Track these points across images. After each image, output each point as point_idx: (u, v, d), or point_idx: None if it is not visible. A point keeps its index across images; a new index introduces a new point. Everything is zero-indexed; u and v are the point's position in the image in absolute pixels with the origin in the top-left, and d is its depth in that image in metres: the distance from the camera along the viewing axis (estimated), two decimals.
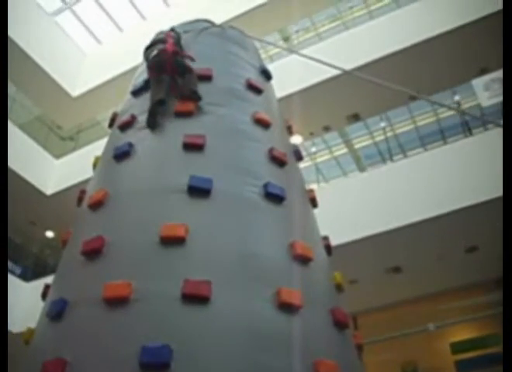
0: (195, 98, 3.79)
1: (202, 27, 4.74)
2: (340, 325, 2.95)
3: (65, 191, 12.61)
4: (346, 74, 10.95)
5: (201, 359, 2.36)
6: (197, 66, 4.12)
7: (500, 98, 9.55)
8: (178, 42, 4.23)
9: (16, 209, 12.66)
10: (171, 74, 3.97)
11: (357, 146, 15.48)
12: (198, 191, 3.09)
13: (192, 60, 4.08)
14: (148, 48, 4.23)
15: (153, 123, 3.72)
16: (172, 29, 4.50)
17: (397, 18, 11.36)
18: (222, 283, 2.63)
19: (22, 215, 13.26)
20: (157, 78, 4.01)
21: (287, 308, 2.66)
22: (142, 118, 3.83)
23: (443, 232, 8.91)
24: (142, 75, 4.42)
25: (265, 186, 3.27)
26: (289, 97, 10.34)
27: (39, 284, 3.23)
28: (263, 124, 3.85)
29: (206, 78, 4.06)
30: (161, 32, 4.45)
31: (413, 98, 11.92)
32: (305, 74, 10.44)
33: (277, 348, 2.49)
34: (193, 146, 3.40)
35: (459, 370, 9.88)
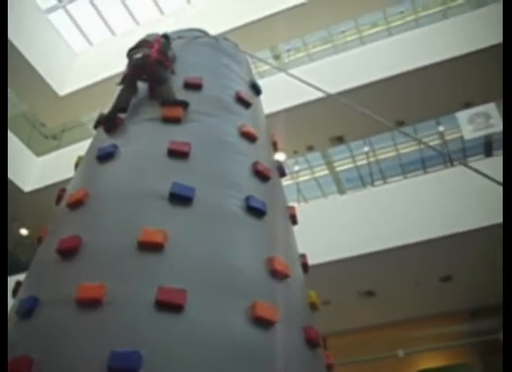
0: (183, 104, 3.79)
1: (195, 35, 4.74)
2: (312, 343, 2.93)
3: (44, 189, 12.47)
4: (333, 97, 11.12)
5: (170, 367, 2.33)
6: (188, 74, 4.12)
7: (483, 133, 9.74)
8: (164, 49, 4.20)
9: None
10: (149, 81, 3.98)
11: (338, 169, 15.58)
12: (180, 198, 3.06)
13: (173, 73, 4.09)
14: (133, 48, 4.21)
15: (109, 127, 3.84)
16: (166, 36, 4.48)
17: (388, 46, 11.53)
18: (197, 292, 2.60)
19: None
20: (129, 83, 4.03)
21: (261, 322, 2.64)
22: (128, 122, 3.82)
23: (419, 260, 8.98)
24: None
25: (247, 199, 3.26)
26: (275, 114, 10.38)
27: (10, 280, 3.16)
28: (249, 137, 3.84)
29: (196, 87, 4.04)
30: (151, 35, 4.42)
31: (398, 125, 12.07)
32: (292, 92, 10.51)
33: (248, 361, 2.47)
34: (178, 153, 3.38)
35: None
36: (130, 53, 4.18)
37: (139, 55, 4.03)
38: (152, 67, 3.94)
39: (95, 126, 4.37)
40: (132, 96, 3.98)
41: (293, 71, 12.27)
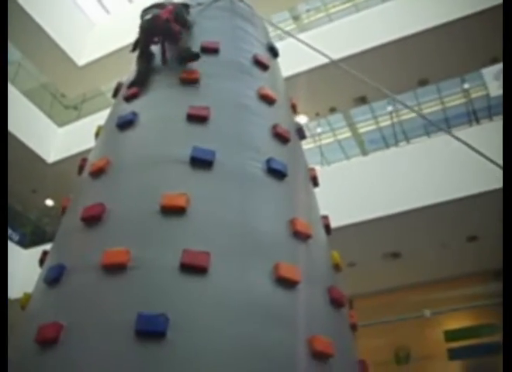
0: (193, 56, 3.79)
1: (212, 0, 4.66)
2: (336, 303, 2.95)
3: (67, 159, 12.59)
4: (354, 56, 10.93)
5: (197, 329, 2.36)
6: (204, 39, 4.09)
7: None
8: (180, 14, 4.13)
9: (17, 176, 12.65)
10: (161, 42, 3.95)
11: (361, 131, 15.41)
12: (201, 162, 3.07)
13: (179, 34, 4.03)
14: (145, 10, 4.16)
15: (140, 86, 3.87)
16: (185, 4, 4.41)
17: (409, 3, 11.20)
18: (220, 254, 2.62)
19: (22, 183, 13.26)
20: (142, 50, 4.02)
21: (284, 282, 2.66)
22: (146, 88, 3.82)
23: (444, 220, 8.91)
24: None
25: (268, 161, 3.25)
26: (297, 76, 10.26)
27: (36, 251, 3.22)
28: (268, 100, 3.82)
29: (213, 51, 4.01)
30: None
31: (421, 84, 11.84)
32: (314, 53, 10.34)
33: (273, 321, 2.49)
34: (197, 118, 3.37)
35: (451, 358, 9.96)
36: (142, 14, 4.14)
37: (148, 16, 3.99)
38: (161, 27, 3.91)
39: (114, 95, 4.38)
40: (148, 65, 3.95)
41: (313, 32, 12.13)
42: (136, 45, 4.08)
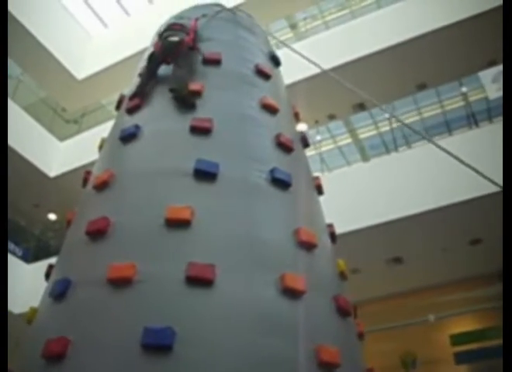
0: (186, 103, 3.64)
1: (215, 11, 4.68)
2: (342, 312, 2.95)
3: (68, 173, 12.62)
4: (352, 63, 10.96)
5: (203, 342, 2.36)
6: (206, 50, 4.11)
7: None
8: (196, 36, 4.18)
9: (20, 191, 12.67)
10: (173, 63, 3.95)
11: (361, 136, 15.42)
12: (205, 174, 3.08)
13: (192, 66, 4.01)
14: (168, 29, 4.16)
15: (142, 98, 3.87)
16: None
17: (405, 9, 11.26)
18: (226, 266, 2.62)
19: (25, 198, 13.28)
20: (154, 64, 4.04)
21: (290, 293, 2.66)
22: (149, 101, 3.83)
23: (447, 224, 8.90)
24: None
25: (272, 171, 3.26)
26: (295, 84, 10.28)
27: (40, 265, 3.22)
28: (270, 109, 3.83)
29: (215, 62, 4.03)
30: (184, 16, 4.40)
31: (419, 89, 11.86)
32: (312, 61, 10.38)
33: (280, 333, 2.49)
34: (200, 130, 3.39)
35: (458, 362, 9.92)
36: (165, 33, 4.12)
37: (175, 38, 4.00)
38: (181, 53, 3.92)
39: (117, 107, 4.40)
40: (152, 79, 3.98)
41: (310, 40, 12.17)
42: (150, 58, 4.10)
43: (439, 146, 4.00)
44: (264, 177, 3.22)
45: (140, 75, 4.15)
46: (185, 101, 3.61)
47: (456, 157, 3.81)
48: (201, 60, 4.03)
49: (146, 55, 4.57)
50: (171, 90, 3.66)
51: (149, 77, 4.00)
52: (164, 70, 4.00)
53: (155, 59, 4.05)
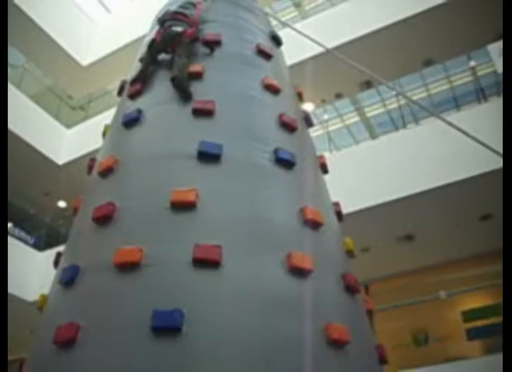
0: (184, 92, 3.58)
1: None
2: (351, 289, 2.95)
3: (77, 160, 12.67)
4: (358, 40, 10.86)
5: (212, 323, 2.37)
6: (207, 31, 4.07)
7: None
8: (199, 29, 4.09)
9: (29, 180, 12.75)
10: (172, 53, 3.89)
11: (369, 114, 15.32)
12: (208, 156, 3.07)
13: (212, 48, 3.96)
14: (170, 18, 4.06)
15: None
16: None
17: None
18: (233, 247, 2.62)
19: (35, 186, 13.36)
20: (153, 53, 3.98)
21: (298, 271, 2.66)
22: (150, 85, 3.81)
23: (456, 200, 8.87)
24: None
25: (275, 151, 3.25)
26: (301, 63, 10.22)
27: (51, 253, 3.25)
28: (272, 90, 3.80)
29: (216, 43, 3.99)
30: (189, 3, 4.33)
31: (426, 64, 11.74)
32: (318, 39, 10.28)
33: (288, 311, 2.50)
34: (203, 112, 3.37)
35: (470, 338, 9.95)
36: (167, 22, 4.04)
37: (178, 29, 3.92)
38: (182, 43, 3.85)
39: (119, 93, 4.39)
40: (152, 66, 3.94)
41: (315, 18, 12.05)
42: (151, 46, 4.04)
43: (446, 121, 3.96)
44: (268, 157, 3.21)
45: (141, 60, 4.12)
46: (185, 90, 3.56)
47: (463, 131, 3.77)
48: (201, 44, 3.99)
49: (146, 40, 4.53)
50: (172, 79, 3.61)
51: (149, 64, 3.95)
52: (164, 56, 3.97)
53: (155, 47, 3.99)
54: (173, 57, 3.84)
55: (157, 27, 4.23)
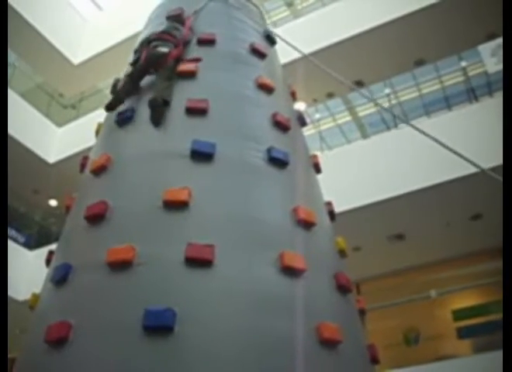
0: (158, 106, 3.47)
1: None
2: (343, 289, 2.96)
3: (68, 159, 12.62)
4: (350, 40, 10.89)
5: (204, 322, 2.36)
6: (201, 31, 4.07)
7: None
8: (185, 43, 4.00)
9: (19, 178, 12.66)
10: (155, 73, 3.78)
11: (361, 114, 15.34)
12: (201, 155, 3.06)
13: (198, 60, 3.85)
14: (156, 38, 3.91)
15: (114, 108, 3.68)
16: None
17: None
18: (225, 246, 2.62)
19: (25, 184, 13.28)
20: (137, 75, 3.82)
21: (290, 271, 2.66)
22: (143, 85, 3.79)
23: (447, 200, 8.91)
24: None
25: (269, 150, 3.25)
26: (293, 63, 10.21)
27: (42, 252, 3.21)
28: (266, 89, 3.80)
29: (210, 42, 3.99)
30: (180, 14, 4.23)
31: (418, 64, 11.78)
32: (307, 39, 10.30)
33: (280, 311, 2.50)
34: (196, 111, 3.36)
35: (461, 337, 10.01)
36: (153, 42, 3.90)
37: (164, 49, 3.79)
38: (167, 66, 3.73)
39: (112, 91, 4.35)
40: (133, 91, 3.78)
41: (307, 17, 12.06)
42: (134, 63, 3.92)
43: (419, 130, 4.07)
44: (261, 156, 3.21)
45: (126, 77, 3.92)
46: (159, 115, 3.41)
47: (435, 139, 3.87)
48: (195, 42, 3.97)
49: (137, 43, 4.43)
50: (150, 101, 3.45)
51: (128, 86, 3.79)
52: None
53: (138, 67, 3.85)
54: (155, 79, 3.74)
55: (150, 26, 4.20)
